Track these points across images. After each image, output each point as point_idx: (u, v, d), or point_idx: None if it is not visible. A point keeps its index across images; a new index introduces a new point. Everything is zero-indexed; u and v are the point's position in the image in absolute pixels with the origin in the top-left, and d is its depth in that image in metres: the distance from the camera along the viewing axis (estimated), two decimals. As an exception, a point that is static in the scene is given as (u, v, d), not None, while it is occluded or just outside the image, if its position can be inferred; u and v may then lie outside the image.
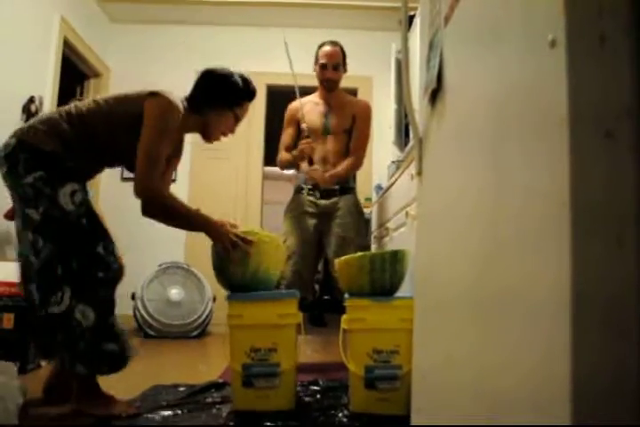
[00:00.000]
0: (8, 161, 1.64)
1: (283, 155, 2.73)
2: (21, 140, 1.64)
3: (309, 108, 2.74)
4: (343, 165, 2.65)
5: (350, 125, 2.71)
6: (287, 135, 2.76)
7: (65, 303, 1.57)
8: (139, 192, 1.67)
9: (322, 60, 2.66)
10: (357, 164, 2.73)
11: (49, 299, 1.58)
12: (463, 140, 0.86)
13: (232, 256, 1.76)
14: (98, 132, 1.71)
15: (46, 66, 3.51)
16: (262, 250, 1.79)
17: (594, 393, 0.46)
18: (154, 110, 1.70)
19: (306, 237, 2.59)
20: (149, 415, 1.61)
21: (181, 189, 4.12)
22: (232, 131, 1.94)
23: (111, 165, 1.90)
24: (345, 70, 2.74)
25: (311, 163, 2.68)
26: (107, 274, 1.65)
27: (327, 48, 2.68)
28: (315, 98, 2.79)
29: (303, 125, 2.65)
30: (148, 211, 1.70)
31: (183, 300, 3.84)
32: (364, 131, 2.74)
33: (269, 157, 4.40)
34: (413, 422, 1.09)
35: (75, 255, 1.61)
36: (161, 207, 1.72)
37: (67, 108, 1.75)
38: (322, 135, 2.69)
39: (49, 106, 3.59)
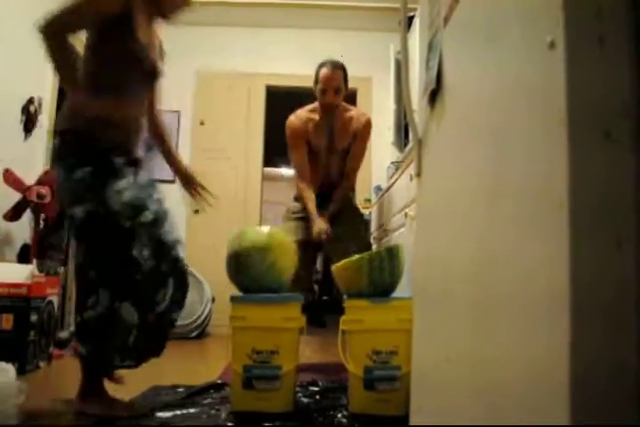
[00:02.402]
0: (57, 157, 1.67)
1: (304, 191, 2.62)
2: (56, 133, 1.68)
3: (313, 130, 2.65)
4: (338, 197, 2.66)
5: (350, 143, 2.67)
6: (300, 156, 2.66)
7: (102, 305, 1.56)
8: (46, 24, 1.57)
9: (322, 86, 2.54)
10: (351, 188, 2.78)
11: (83, 304, 1.59)
12: (462, 142, 0.86)
13: (247, 259, 1.76)
14: (101, 75, 1.69)
15: (46, 66, 3.46)
16: (279, 253, 1.79)
17: (592, 393, 0.46)
18: None
19: (303, 239, 2.59)
20: (149, 416, 1.61)
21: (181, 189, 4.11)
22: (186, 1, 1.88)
23: (136, 78, 1.80)
24: (346, 89, 2.62)
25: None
26: (142, 275, 1.60)
27: (327, 72, 2.53)
28: (314, 115, 2.66)
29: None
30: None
31: (182, 300, 3.83)
32: (362, 151, 2.72)
33: (269, 158, 4.42)
34: (412, 422, 1.09)
35: (109, 257, 1.59)
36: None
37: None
38: (327, 155, 2.69)
39: (48, 106, 3.59)
